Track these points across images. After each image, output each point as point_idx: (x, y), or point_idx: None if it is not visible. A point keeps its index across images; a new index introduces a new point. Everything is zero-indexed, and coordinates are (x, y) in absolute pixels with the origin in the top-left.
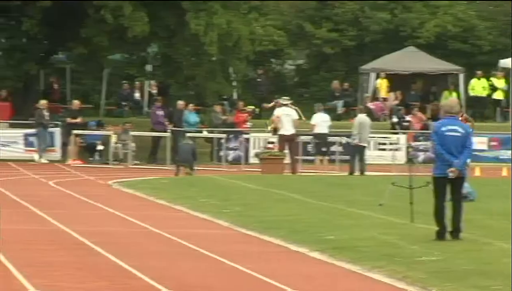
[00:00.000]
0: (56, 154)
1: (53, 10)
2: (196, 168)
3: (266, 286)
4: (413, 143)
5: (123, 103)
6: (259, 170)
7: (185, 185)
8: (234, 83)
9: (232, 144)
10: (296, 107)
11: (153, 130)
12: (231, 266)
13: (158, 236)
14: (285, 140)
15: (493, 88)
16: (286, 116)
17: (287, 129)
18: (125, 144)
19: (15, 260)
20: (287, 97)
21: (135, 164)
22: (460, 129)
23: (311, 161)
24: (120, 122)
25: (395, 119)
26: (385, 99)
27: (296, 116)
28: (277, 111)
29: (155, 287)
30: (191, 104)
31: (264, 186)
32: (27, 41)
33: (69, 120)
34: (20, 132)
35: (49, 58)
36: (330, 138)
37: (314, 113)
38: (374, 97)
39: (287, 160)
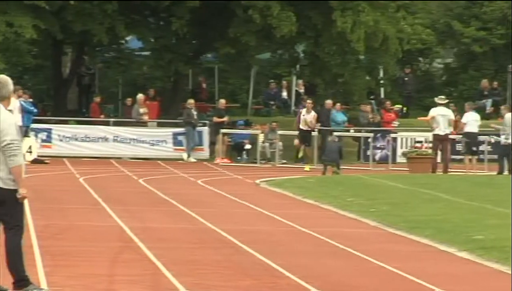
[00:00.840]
0: (204, 153)
1: (202, 10)
2: (342, 167)
3: (413, 286)
4: None
5: (270, 102)
6: (407, 169)
7: (332, 184)
8: (382, 82)
9: (379, 144)
10: (454, 108)
11: (300, 129)
12: (378, 265)
13: (305, 235)
14: (439, 140)
15: None
16: (442, 116)
17: (442, 129)
18: (272, 143)
19: (163, 258)
20: (443, 97)
21: (282, 163)
22: None
23: (460, 160)
24: (267, 122)
25: None
26: None
27: (452, 117)
28: (433, 111)
29: (302, 285)
30: (338, 103)
31: (411, 185)
32: (176, 42)
33: (215, 119)
34: (168, 131)
35: (198, 58)
36: (479, 138)
37: (465, 112)
38: None
39: (439, 159)
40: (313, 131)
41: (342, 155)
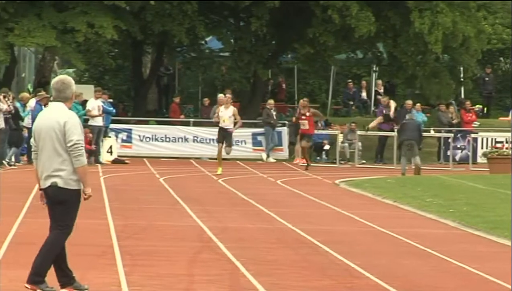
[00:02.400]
0: (284, 153)
1: (281, 11)
2: (423, 167)
3: (492, 286)
4: None
5: (349, 102)
6: (487, 169)
7: (411, 184)
8: (462, 83)
9: (459, 144)
10: None
11: (379, 129)
12: (457, 266)
13: (384, 235)
14: None
15: None
16: None
17: None
18: (351, 143)
19: (242, 258)
20: None
21: (362, 163)
22: None
23: None
24: (346, 122)
25: None
26: None
27: None
28: None
29: (380, 285)
30: (418, 104)
31: (491, 185)
32: (255, 42)
33: (295, 119)
34: (248, 131)
35: (277, 59)
36: None
37: None
38: None
39: None
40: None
41: (421, 133)
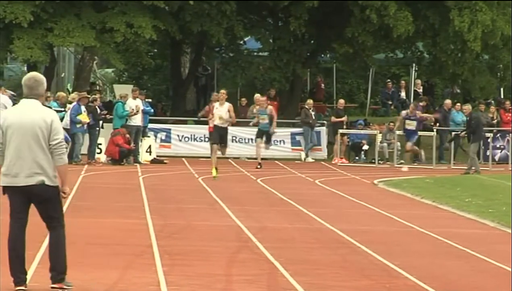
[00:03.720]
0: (322, 153)
1: (319, 10)
2: (461, 167)
3: None
4: None
5: (388, 102)
6: None
7: (449, 185)
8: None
9: (498, 144)
10: None
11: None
12: (496, 266)
13: (422, 235)
14: None
15: None
16: None
17: None
18: (390, 143)
19: (280, 258)
20: None
21: (400, 163)
22: None
23: None
24: (385, 122)
25: None
26: None
27: None
28: None
29: (419, 286)
30: (458, 103)
31: None
32: (294, 42)
33: (333, 119)
34: (287, 131)
35: (315, 58)
36: None
37: None
38: None
39: None
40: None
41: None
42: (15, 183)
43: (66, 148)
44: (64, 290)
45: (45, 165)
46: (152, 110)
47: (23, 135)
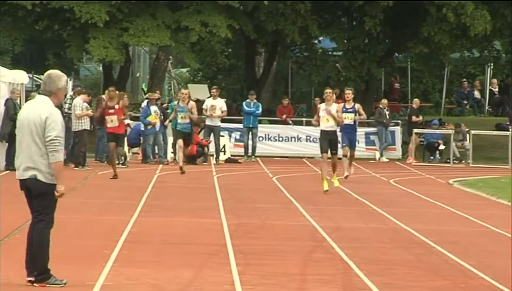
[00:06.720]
0: (397, 153)
1: (395, 10)
2: None
3: None
4: None
5: (463, 101)
6: None
7: None
8: None
9: None
10: None
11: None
12: None
13: (498, 236)
14: None
15: None
16: None
17: None
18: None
19: (355, 258)
20: None
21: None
22: None
23: None
24: (461, 121)
25: None
26: None
27: None
28: None
29: (495, 286)
30: None
31: None
32: (369, 41)
33: (415, 118)
34: (361, 131)
35: (390, 58)
36: None
37: None
38: None
39: None
40: None
41: None
42: (17, 176)
43: (62, 144)
44: (48, 287)
45: (38, 160)
46: (259, 111)
47: (24, 130)
